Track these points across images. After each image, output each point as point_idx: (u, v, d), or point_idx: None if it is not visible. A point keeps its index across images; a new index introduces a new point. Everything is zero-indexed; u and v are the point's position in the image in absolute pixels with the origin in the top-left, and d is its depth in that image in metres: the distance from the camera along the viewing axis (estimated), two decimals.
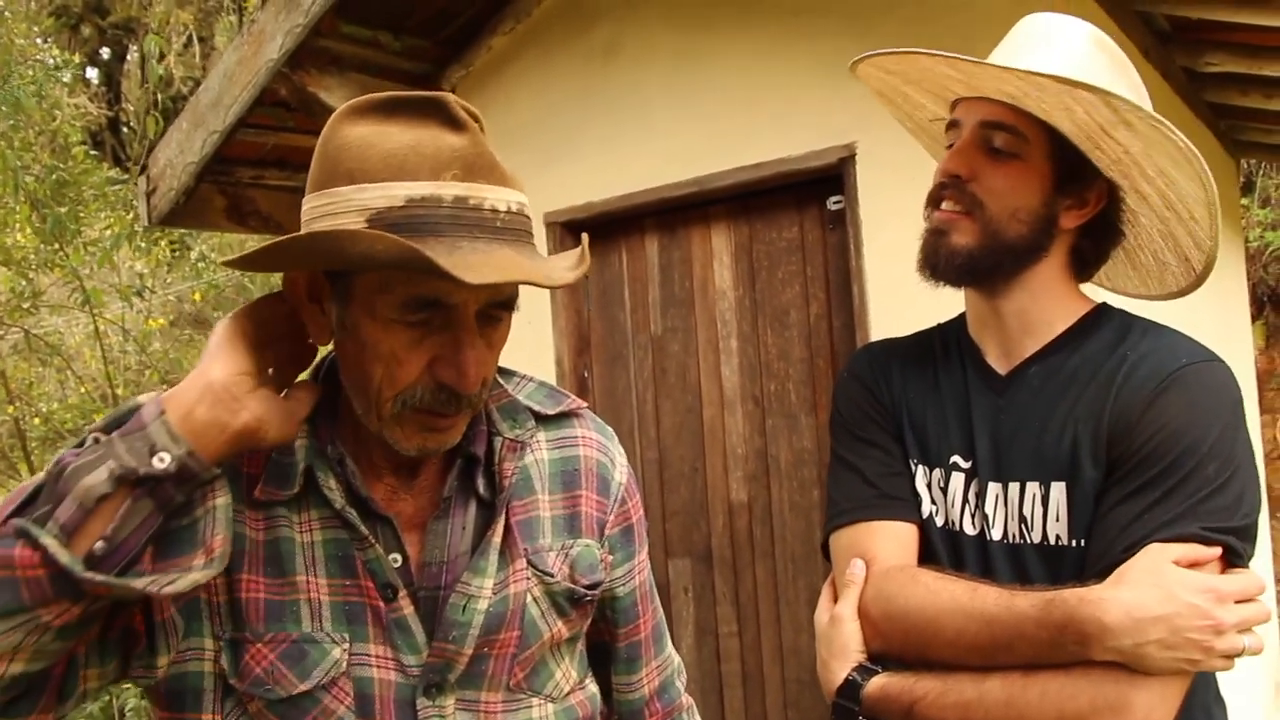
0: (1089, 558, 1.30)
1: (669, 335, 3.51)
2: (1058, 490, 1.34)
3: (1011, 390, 1.43)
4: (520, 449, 1.24)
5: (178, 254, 9.77)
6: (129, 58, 12.64)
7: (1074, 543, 1.33)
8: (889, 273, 2.90)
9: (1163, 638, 1.17)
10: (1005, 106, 1.38)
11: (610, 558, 1.32)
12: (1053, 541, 1.34)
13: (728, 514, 3.39)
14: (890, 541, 1.43)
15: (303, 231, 1.05)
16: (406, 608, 1.14)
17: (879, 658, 1.38)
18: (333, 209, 1.03)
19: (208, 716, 1.11)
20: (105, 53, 13.49)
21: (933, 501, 1.45)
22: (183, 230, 7.54)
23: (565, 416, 1.33)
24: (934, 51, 1.38)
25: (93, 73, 13.24)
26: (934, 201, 1.44)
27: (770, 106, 3.12)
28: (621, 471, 1.36)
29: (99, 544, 0.93)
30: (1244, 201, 7.94)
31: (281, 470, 1.14)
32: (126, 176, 7.53)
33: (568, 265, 1.15)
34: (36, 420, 7.97)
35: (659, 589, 3.47)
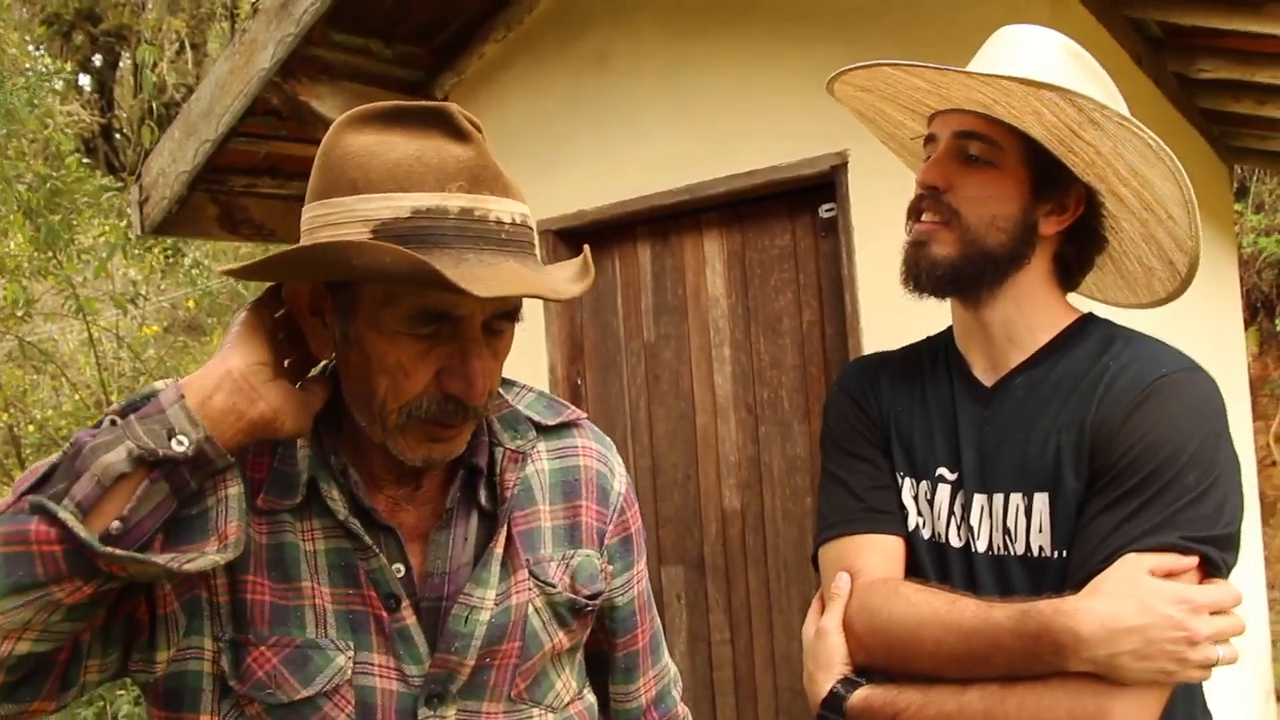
0: (1070, 568, 1.30)
1: (662, 342, 3.51)
2: (1041, 501, 1.35)
3: (997, 402, 1.43)
4: (521, 460, 1.24)
5: (172, 261, 9.78)
6: (121, 65, 12.65)
7: (1056, 554, 1.33)
8: (881, 280, 2.90)
9: (1137, 648, 1.17)
10: (978, 116, 1.39)
11: (610, 567, 1.32)
12: (1036, 553, 1.35)
13: (720, 521, 3.38)
14: (876, 555, 1.43)
15: (305, 241, 1.05)
16: (409, 618, 1.14)
17: (864, 670, 1.38)
18: (336, 219, 1.03)
19: (205, 717, 1.11)
20: (98, 60, 13.48)
21: (919, 514, 1.46)
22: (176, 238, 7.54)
23: (565, 427, 1.33)
24: (899, 61, 1.39)
25: (85, 80, 13.24)
26: (914, 214, 1.45)
27: (762, 114, 3.13)
28: (621, 481, 1.36)
29: (115, 524, 0.94)
30: (1237, 207, 7.96)
31: (284, 479, 1.14)
32: (120, 184, 7.53)
33: (570, 276, 1.16)
34: (31, 427, 7.97)
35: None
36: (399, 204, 1.00)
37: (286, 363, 1.10)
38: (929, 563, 1.44)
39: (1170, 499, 1.25)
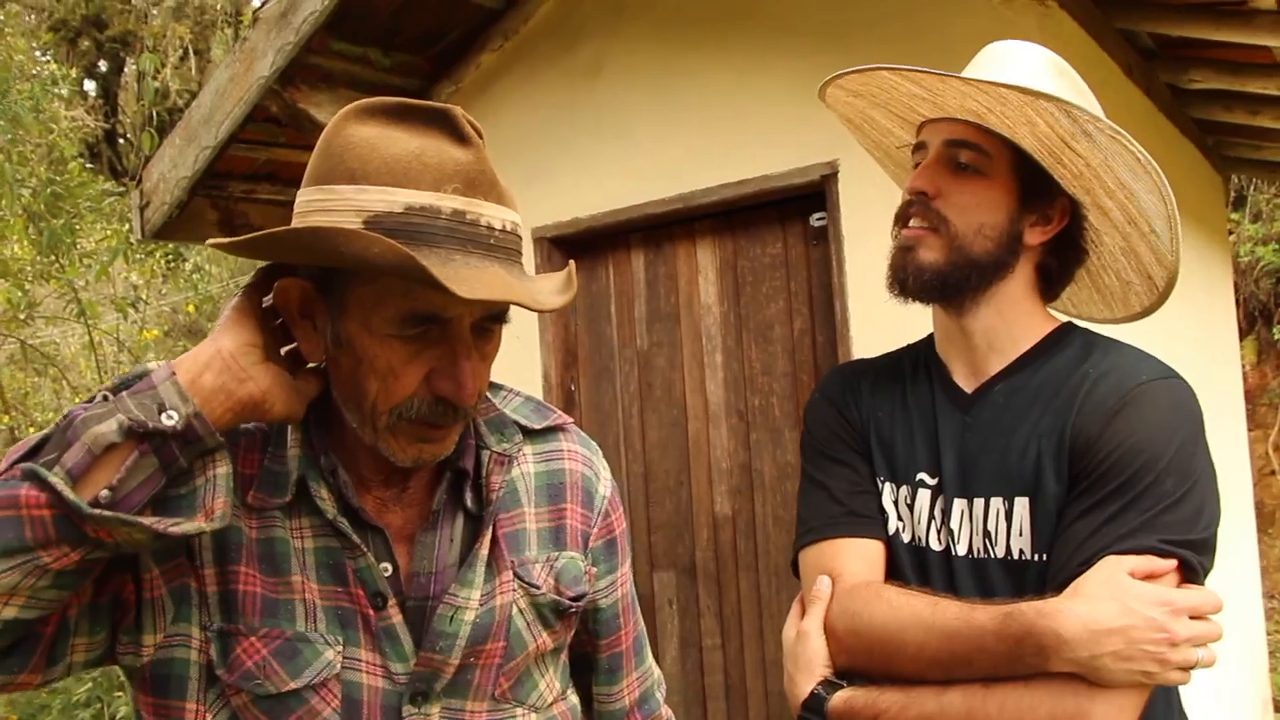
0: (1050, 571, 1.32)
1: (655, 350, 3.53)
2: (1021, 505, 1.36)
3: (977, 408, 1.45)
4: (507, 463, 1.26)
5: (173, 266, 9.79)
6: (126, 70, 12.68)
7: (1037, 557, 1.35)
8: (871, 288, 2.90)
9: (1118, 649, 1.19)
10: (970, 125, 1.41)
11: (594, 570, 1.34)
12: (1016, 556, 1.36)
13: (712, 527, 3.40)
14: (856, 558, 1.45)
15: (296, 225, 1.06)
16: (395, 616, 1.15)
17: (845, 673, 1.39)
18: (329, 205, 1.04)
19: (191, 704, 1.12)
20: (103, 65, 13.52)
21: (899, 518, 1.47)
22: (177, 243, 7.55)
23: (551, 431, 1.35)
24: (896, 66, 1.41)
25: (90, 85, 13.27)
26: (901, 219, 1.47)
27: (754, 124, 3.15)
28: (605, 485, 1.37)
29: (104, 492, 0.95)
30: (1234, 216, 7.96)
31: (274, 478, 1.15)
32: (122, 189, 7.56)
33: (553, 289, 1.16)
34: (32, 430, 7.98)
35: (643, 601, 3.50)
36: (393, 199, 1.02)
37: (284, 350, 1.12)
38: (909, 566, 1.45)
39: (1149, 503, 1.27)
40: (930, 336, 1.57)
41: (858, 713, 1.33)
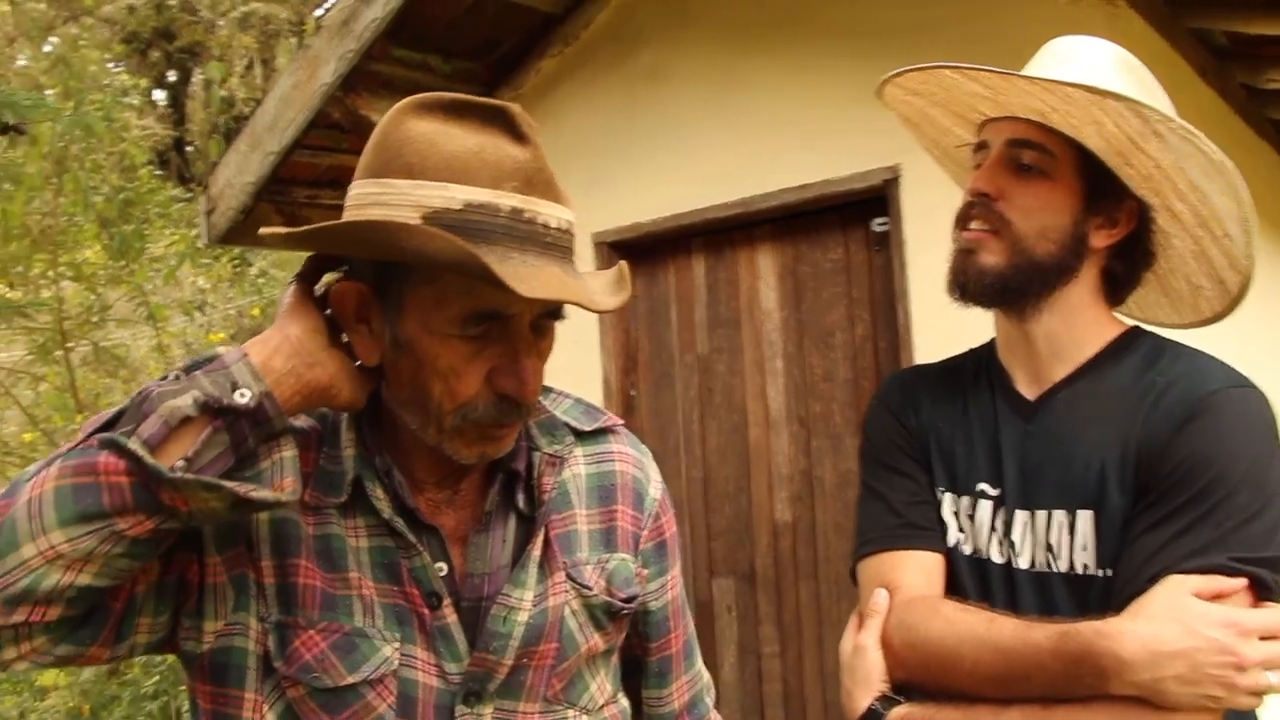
0: (1115, 586, 1.28)
1: (715, 355, 3.52)
2: (1085, 518, 1.32)
3: (1040, 416, 1.41)
4: (559, 464, 1.25)
5: (238, 270, 9.95)
6: (194, 80, 12.93)
7: (1102, 572, 1.31)
8: (934, 294, 2.84)
9: (1181, 673, 1.15)
10: (1033, 125, 1.37)
11: (644, 572, 1.33)
12: (1080, 570, 1.33)
13: (772, 534, 3.38)
14: (915, 571, 1.42)
15: (351, 217, 1.06)
16: (450, 616, 1.16)
17: (902, 688, 1.36)
18: (386, 199, 1.04)
19: (250, 693, 1.13)
20: (172, 76, 13.82)
21: (960, 530, 1.44)
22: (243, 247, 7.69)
23: (602, 433, 1.34)
24: (959, 64, 1.37)
25: (160, 95, 13.57)
26: (962, 221, 1.43)
27: (814, 128, 3.13)
28: (656, 487, 1.37)
29: (179, 463, 0.96)
30: None
31: (330, 478, 1.16)
32: (190, 195, 7.71)
33: (605, 287, 1.17)
34: None
35: (702, 607, 3.50)
36: (452, 195, 1.02)
37: (344, 338, 1.12)
38: (969, 579, 1.42)
39: (1220, 518, 1.22)
40: (992, 341, 1.53)
41: None
